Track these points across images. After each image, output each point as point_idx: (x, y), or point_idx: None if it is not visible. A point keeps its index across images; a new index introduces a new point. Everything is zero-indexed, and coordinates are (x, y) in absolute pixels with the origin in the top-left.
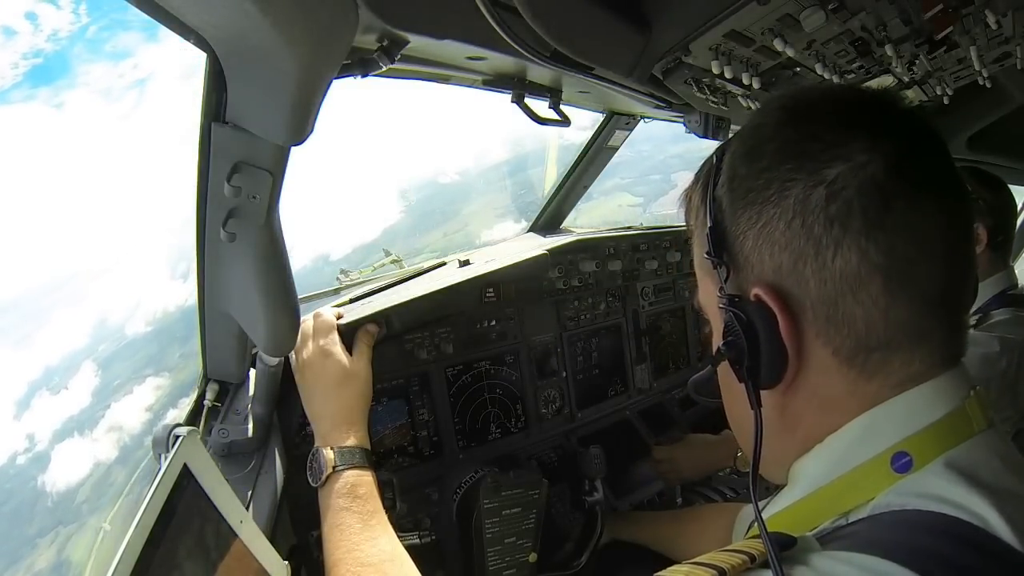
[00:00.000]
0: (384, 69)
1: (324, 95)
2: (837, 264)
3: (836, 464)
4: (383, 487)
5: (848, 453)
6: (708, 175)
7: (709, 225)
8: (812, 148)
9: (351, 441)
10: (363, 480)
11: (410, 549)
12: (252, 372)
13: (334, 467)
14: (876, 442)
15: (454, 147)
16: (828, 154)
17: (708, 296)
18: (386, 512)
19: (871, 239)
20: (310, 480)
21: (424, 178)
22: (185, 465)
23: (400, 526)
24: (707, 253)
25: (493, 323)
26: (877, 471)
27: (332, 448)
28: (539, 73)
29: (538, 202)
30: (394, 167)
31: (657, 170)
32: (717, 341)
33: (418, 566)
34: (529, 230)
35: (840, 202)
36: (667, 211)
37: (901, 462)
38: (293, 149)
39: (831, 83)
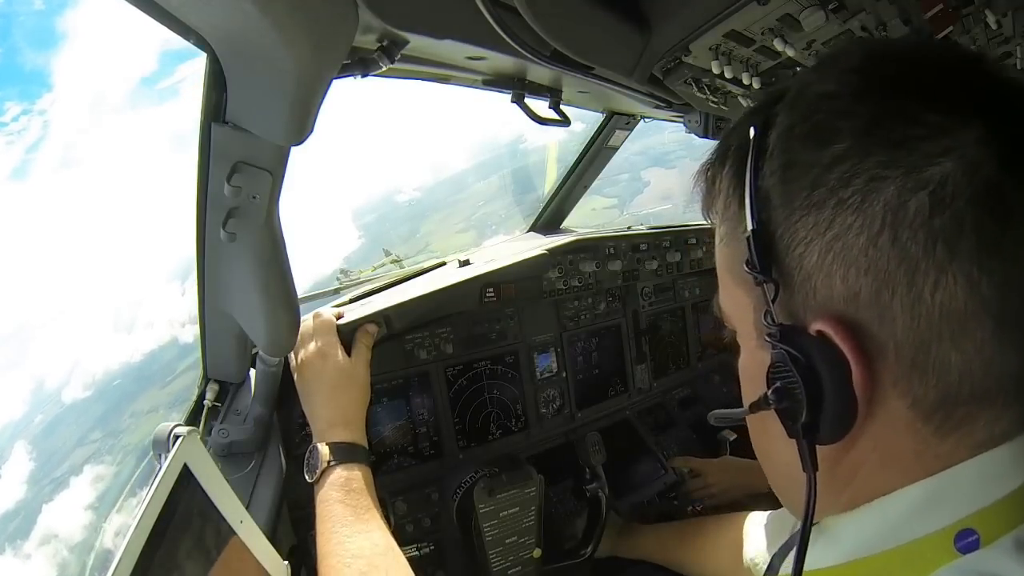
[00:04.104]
0: (384, 69)
1: (324, 95)
2: (938, 298)
3: (888, 534)
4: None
5: (904, 524)
6: (745, 155)
7: (752, 228)
8: (911, 135)
9: (348, 438)
10: (357, 475)
11: (409, 561)
12: (252, 372)
13: (329, 462)
14: (940, 515)
15: (409, 162)
16: (934, 145)
17: (738, 308)
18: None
19: (984, 268)
20: (306, 475)
21: (380, 197)
22: (185, 465)
23: (400, 526)
24: (747, 264)
25: (493, 323)
26: (937, 548)
27: (328, 444)
28: (539, 73)
29: (497, 213)
30: (346, 190)
31: (623, 169)
32: (751, 368)
33: (419, 570)
34: (529, 230)
35: (949, 215)
36: (646, 210)
37: (966, 541)
38: (293, 150)
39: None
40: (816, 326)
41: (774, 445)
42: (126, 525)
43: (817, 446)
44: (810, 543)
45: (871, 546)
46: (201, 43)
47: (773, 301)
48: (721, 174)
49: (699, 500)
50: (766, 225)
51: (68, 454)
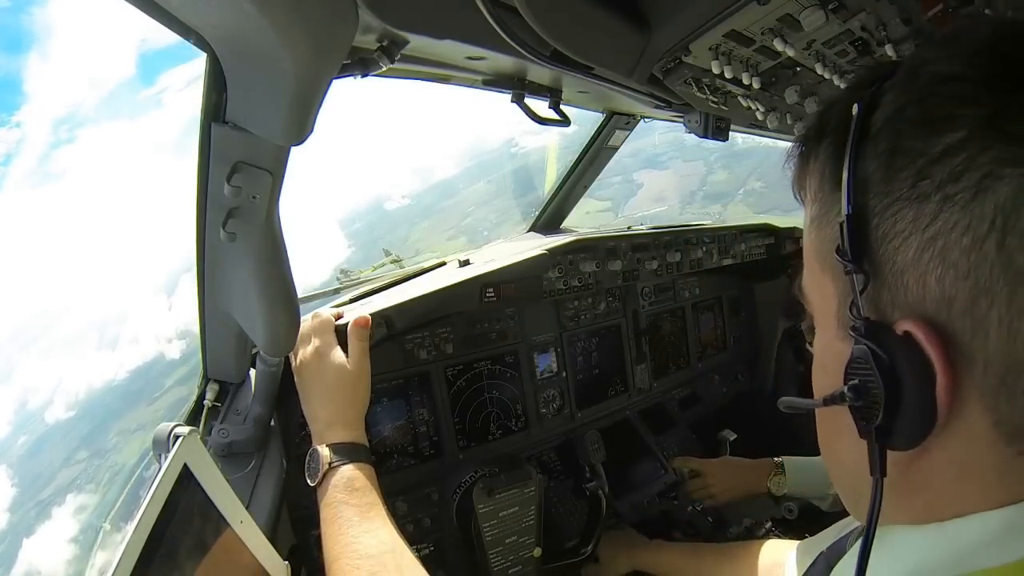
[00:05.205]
0: (384, 69)
1: (324, 95)
2: None
3: (958, 559)
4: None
5: (978, 550)
6: (845, 133)
7: (847, 212)
8: None
9: (347, 438)
10: (359, 474)
11: None
12: (252, 372)
13: (330, 464)
14: (1019, 545)
15: (397, 168)
16: None
17: (822, 295)
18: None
19: None
20: (308, 479)
21: (368, 205)
22: (185, 465)
23: (400, 526)
24: (838, 251)
25: (493, 323)
26: None
27: (328, 445)
28: (539, 73)
29: (488, 218)
30: (333, 198)
31: (614, 172)
32: (826, 358)
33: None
34: (529, 230)
35: None
36: (641, 212)
37: None
38: (293, 150)
39: None
40: (903, 326)
41: (843, 443)
42: (109, 562)
43: (889, 450)
44: (852, 539)
45: (937, 568)
46: (201, 43)
47: (861, 293)
48: (817, 151)
49: (699, 500)
50: (862, 212)
51: (53, 476)
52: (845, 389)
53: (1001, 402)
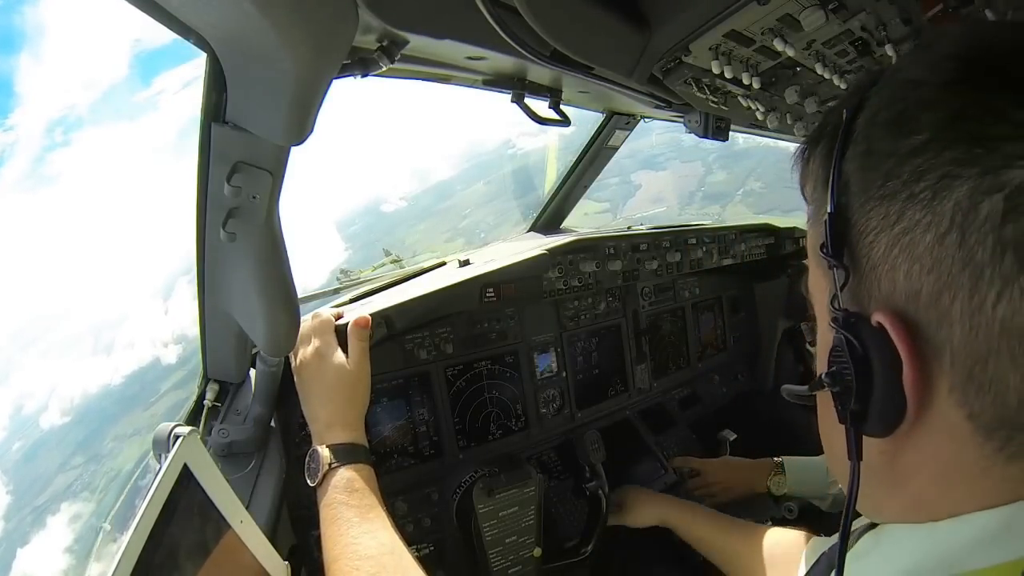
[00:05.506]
0: (384, 69)
1: (324, 95)
2: (999, 311)
3: (952, 559)
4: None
5: (972, 550)
6: (835, 136)
7: (829, 211)
8: (994, 132)
9: (347, 439)
10: (359, 475)
11: None
12: (252, 372)
13: (330, 464)
14: (1013, 546)
15: (393, 170)
16: (1017, 146)
17: (817, 288)
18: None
19: None
20: (307, 479)
21: (364, 207)
22: (185, 465)
23: (400, 526)
24: (822, 247)
25: (493, 323)
26: None
27: (328, 446)
28: (539, 73)
29: (486, 220)
30: (330, 200)
31: (612, 173)
32: (820, 348)
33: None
34: (529, 230)
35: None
36: (640, 213)
37: None
38: (292, 150)
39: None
40: (877, 317)
41: (835, 431)
42: (108, 564)
43: (868, 437)
44: (866, 551)
45: (934, 568)
46: (201, 43)
47: (843, 287)
48: (814, 153)
49: (699, 500)
50: (843, 210)
51: (49, 481)
52: (823, 375)
53: (971, 395)
